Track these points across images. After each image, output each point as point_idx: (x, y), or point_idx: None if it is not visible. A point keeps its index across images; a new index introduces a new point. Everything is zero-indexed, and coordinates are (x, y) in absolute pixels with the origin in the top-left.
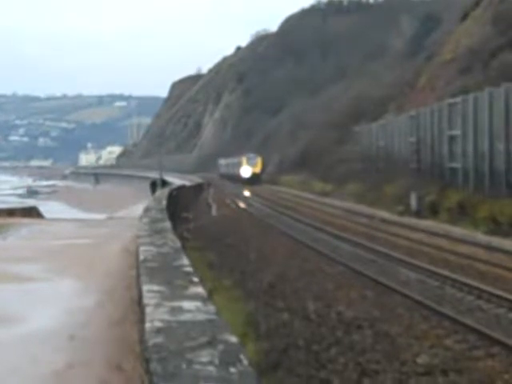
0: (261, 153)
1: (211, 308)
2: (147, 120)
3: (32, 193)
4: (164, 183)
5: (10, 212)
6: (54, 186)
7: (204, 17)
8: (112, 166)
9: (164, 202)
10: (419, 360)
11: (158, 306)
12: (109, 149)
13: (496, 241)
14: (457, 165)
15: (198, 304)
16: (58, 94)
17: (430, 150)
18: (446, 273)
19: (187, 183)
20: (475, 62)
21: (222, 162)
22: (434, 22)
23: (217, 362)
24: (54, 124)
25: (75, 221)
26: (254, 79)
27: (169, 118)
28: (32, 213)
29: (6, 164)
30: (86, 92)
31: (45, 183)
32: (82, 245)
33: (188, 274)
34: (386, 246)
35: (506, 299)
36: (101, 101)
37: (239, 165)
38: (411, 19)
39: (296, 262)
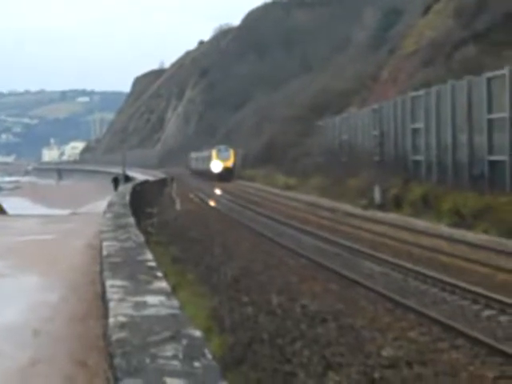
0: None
1: (175, 302)
2: (110, 115)
3: None
4: (127, 178)
5: None
6: (16, 181)
7: (166, 11)
8: (75, 162)
9: (127, 197)
10: (384, 352)
11: (121, 300)
12: (72, 144)
13: (459, 233)
14: (420, 157)
15: (162, 299)
16: (21, 89)
17: (393, 143)
18: (409, 265)
19: (151, 178)
20: (438, 55)
21: (193, 156)
22: (397, 15)
23: (181, 356)
24: (17, 120)
25: (38, 217)
26: (217, 74)
27: (132, 113)
28: None
29: None
30: (48, 87)
31: (7, 179)
32: (45, 241)
33: (152, 268)
34: (349, 240)
35: (470, 291)
36: (63, 96)
37: (209, 159)
38: (374, 12)
39: (260, 256)
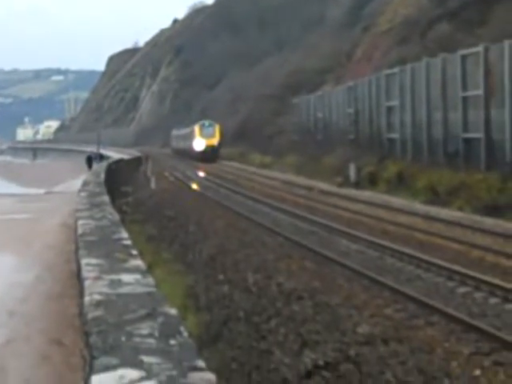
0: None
1: (150, 280)
2: (84, 94)
3: None
4: (101, 157)
5: None
6: None
7: None
8: (50, 141)
9: (102, 176)
10: (360, 330)
11: (97, 279)
12: (46, 123)
13: (434, 210)
14: (395, 135)
15: (138, 277)
16: None
17: (368, 121)
18: (385, 243)
19: (125, 157)
20: (412, 33)
21: (174, 133)
22: None
23: (156, 334)
24: None
25: (13, 196)
26: (192, 52)
27: (106, 92)
28: None
29: None
30: (22, 66)
31: None
32: (20, 220)
33: (127, 247)
34: (325, 217)
35: (445, 268)
36: (38, 75)
37: (191, 136)
38: None
39: (236, 234)
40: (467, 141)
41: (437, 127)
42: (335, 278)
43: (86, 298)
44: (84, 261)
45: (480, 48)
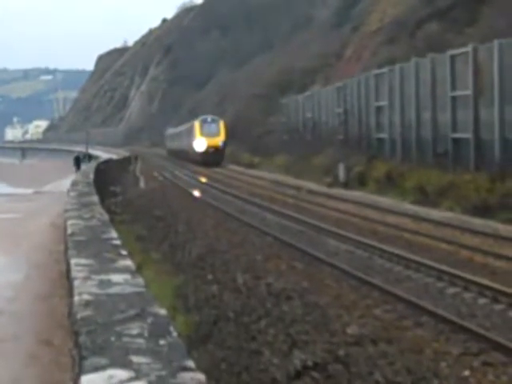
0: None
1: (140, 281)
2: (73, 94)
3: None
4: (90, 158)
5: None
6: None
7: None
8: (39, 141)
9: (91, 176)
10: (349, 330)
11: (86, 279)
12: (35, 123)
13: (423, 210)
14: (384, 135)
15: (127, 277)
16: None
17: (357, 121)
18: (374, 243)
19: (114, 157)
20: (401, 33)
21: (169, 132)
22: None
23: (146, 334)
24: None
25: (2, 195)
26: (181, 51)
27: (95, 91)
28: None
29: None
30: (10, 66)
31: None
32: (9, 219)
33: (116, 246)
34: (314, 217)
35: (434, 268)
36: (26, 75)
37: (190, 134)
38: None
39: (225, 234)
40: (456, 141)
41: (426, 127)
42: (324, 278)
43: (76, 298)
44: (73, 261)
45: (469, 48)
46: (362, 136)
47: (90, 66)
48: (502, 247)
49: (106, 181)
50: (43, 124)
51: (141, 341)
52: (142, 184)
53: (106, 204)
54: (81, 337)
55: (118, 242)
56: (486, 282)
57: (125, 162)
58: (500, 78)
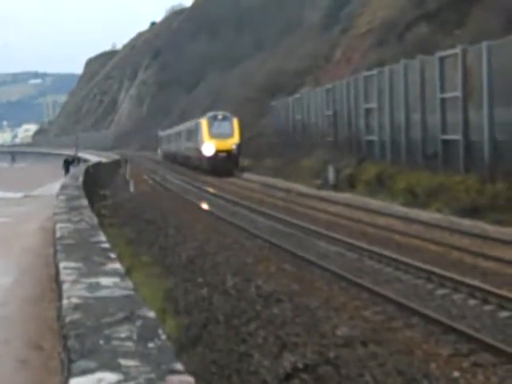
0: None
1: (129, 284)
2: (63, 97)
3: None
4: (78, 161)
5: None
6: None
7: None
8: (28, 144)
9: (81, 179)
10: (339, 332)
11: (75, 282)
12: (25, 127)
13: (413, 212)
14: (373, 137)
15: (116, 280)
16: None
17: (347, 123)
18: (364, 245)
19: (104, 160)
20: (390, 35)
21: (164, 134)
22: None
23: (135, 337)
24: None
25: None
26: (170, 55)
27: (84, 95)
28: None
29: None
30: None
31: None
32: None
33: (105, 250)
34: (304, 220)
35: (424, 270)
36: (15, 78)
37: (195, 136)
38: None
39: (215, 237)
40: (446, 142)
41: (415, 129)
42: (314, 280)
43: (64, 302)
44: (62, 264)
45: (458, 50)
46: (351, 138)
47: (79, 69)
48: (492, 248)
49: (96, 184)
50: (33, 128)
51: (130, 344)
52: (131, 187)
53: (95, 207)
54: (69, 340)
55: (107, 246)
56: (475, 283)
57: (114, 166)
58: (489, 80)
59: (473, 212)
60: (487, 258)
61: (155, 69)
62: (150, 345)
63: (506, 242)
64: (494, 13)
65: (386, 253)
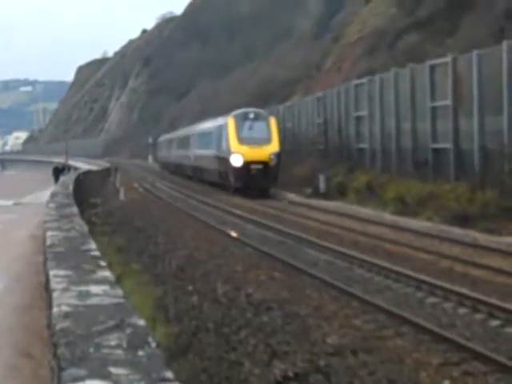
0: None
1: (119, 292)
2: (53, 105)
3: None
4: (68, 169)
5: None
6: None
7: None
8: (18, 152)
9: (71, 187)
10: (329, 340)
11: (65, 290)
12: (15, 134)
13: (403, 220)
14: (364, 145)
15: (106, 288)
16: None
17: (337, 131)
18: (354, 253)
19: (94, 168)
20: (381, 43)
21: (166, 138)
22: (340, 3)
23: (125, 345)
24: None
25: None
26: (161, 62)
27: (75, 102)
28: None
29: None
30: None
31: None
32: None
33: (95, 258)
34: (294, 228)
35: (414, 278)
36: (6, 86)
37: (217, 142)
38: (317, 0)
39: (205, 245)
40: (436, 151)
41: (406, 137)
42: (304, 288)
43: (55, 310)
44: (52, 272)
45: (448, 58)
46: (342, 146)
47: (69, 77)
48: (482, 257)
49: (86, 192)
50: (23, 135)
51: (120, 352)
52: (121, 195)
53: (85, 215)
54: (59, 348)
55: (97, 253)
56: (465, 291)
57: (104, 173)
58: (479, 88)
59: (463, 220)
60: (477, 266)
61: (146, 76)
62: (140, 353)
63: (495, 251)
64: (485, 22)
65: (377, 261)
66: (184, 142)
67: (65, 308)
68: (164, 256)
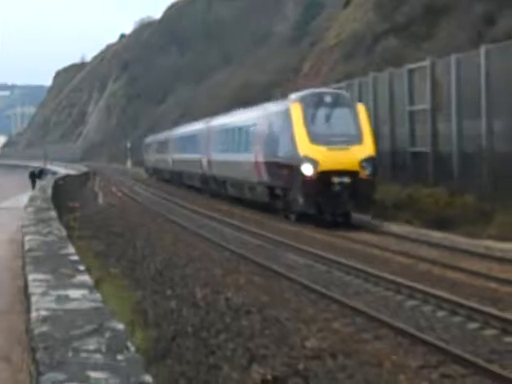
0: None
1: (97, 296)
2: (32, 109)
3: None
4: (46, 173)
5: None
6: None
7: (88, 3)
8: None
9: (49, 192)
10: (308, 344)
11: (43, 294)
12: None
13: (382, 224)
14: None
15: (85, 292)
16: None
17: None
18: (333, 257)
19: (73, 172)
20: (359, 48)
21: (158, 140)
22: (318, 8)
23: (104, 349)
24: None
25: None
26: (139, 67)
27: (53, 107)
28: None
29: None
30: None
31: None
32: None
33: (74, 262)
34: (273, 232)
35: (393, 282)
36: None
37: (271, 140)
38: (295, 4)
39: (183, 249)
40: (414, 155)
41: (384, 141)
42: (283, 292)
43: (33, 314)
44: (31, 276)
45: (427, 62)
46: None
47: (48, 81)
48: (461, 260)
49: (64, 196)
50: (1, 140)
51: (98, 356)
52: (100, 199)
53: (64, 219)
54: (38, 352)
55: (75, 258)
56: (444, 294)
57: (83, 178)
58: (457, 92)
59: (442, 224)
60: (456, 269)
61: (124, 81)
62: (119, 357)
63: (474, 254)
64: (462, 26)
65: (355, 265)
66: (191, 143)
67: (43, 312)
68: (143, 260)
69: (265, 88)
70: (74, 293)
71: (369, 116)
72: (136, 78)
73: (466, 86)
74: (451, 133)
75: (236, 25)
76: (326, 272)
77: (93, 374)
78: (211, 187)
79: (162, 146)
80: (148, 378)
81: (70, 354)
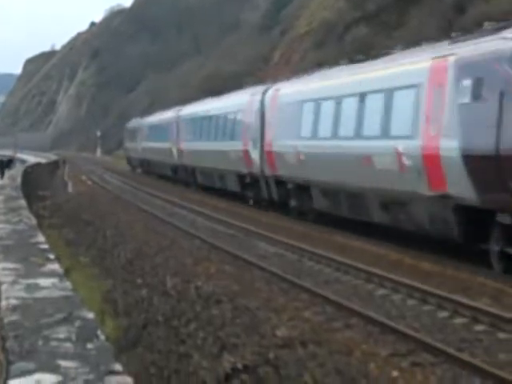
0: (118, 130)
1: (67, 285)
2: (1, 98)
3: None
4: (14, 162)
5: None
6: None
7: None
8: None
9: (19, 180)
10: (278, 333)
11: (13, 283)
12: None
13: None
14: None
15: (55, 281)
16: None
17: None
18: (304, 246)
19: (42, 161)
20: (330, 36)
21: (151, 122)
22: None
23: (74, 338)
24: None
25: None
26: (109, 55)
27: (23, 95)
28: None
29: None
30: None
31: None
32: None
33: (44, 251)
34: (245, 221)
35: (364, 271)
36: None
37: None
38: None
39: (154, 238)
40: None
41: None
42: (254, 281)
43: (3, 303)
44: (1, 265)
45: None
46: None
47: (17, 69)
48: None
49: (34, 185)
50: None
51: (68, 345)
52: (70, 188)
53: (34, 208)
54: (8, 341)
55: (45, 246)
56: (415, 283)
57: (53, 166)
58: None
59: None
60: (427, 259)
61: (94, 69)
62: (89, 346)
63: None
64: (433, 15)
65: (326, 254)
66: (212, 126)
67: (13, 301)
68: (113, 249)
69: (235, 77)
70: (44, 281)
71: None
72: (106, 67)
73: None
74: None
75: (206, 13)
76: (297, 261)
77: (63, 363)
78: (243, 192)
79: (158, 131)
80: (118, 366)
81: (40, 342)
